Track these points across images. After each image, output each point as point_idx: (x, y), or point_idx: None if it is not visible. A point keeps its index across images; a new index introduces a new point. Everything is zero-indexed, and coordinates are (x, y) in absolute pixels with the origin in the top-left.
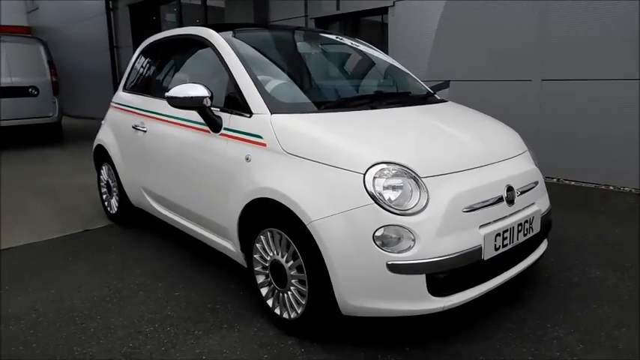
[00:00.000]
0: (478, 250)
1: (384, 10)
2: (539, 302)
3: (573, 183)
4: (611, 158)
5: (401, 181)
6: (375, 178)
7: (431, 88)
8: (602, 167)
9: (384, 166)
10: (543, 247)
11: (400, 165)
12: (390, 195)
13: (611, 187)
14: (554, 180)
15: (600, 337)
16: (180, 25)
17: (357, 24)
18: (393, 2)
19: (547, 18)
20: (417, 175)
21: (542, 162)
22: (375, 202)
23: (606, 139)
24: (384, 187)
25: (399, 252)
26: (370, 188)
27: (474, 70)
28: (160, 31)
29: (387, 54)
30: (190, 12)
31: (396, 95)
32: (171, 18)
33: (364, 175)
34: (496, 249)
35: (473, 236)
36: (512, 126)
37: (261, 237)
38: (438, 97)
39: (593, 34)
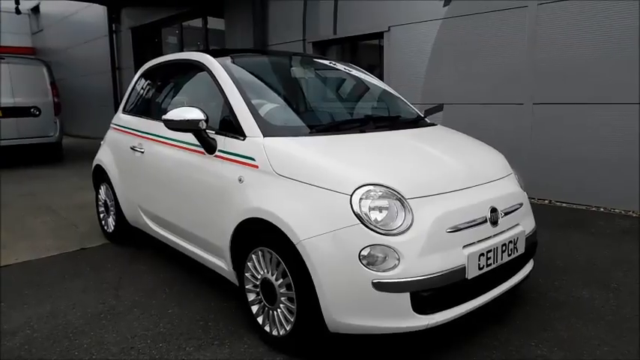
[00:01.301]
0: (462, 270)
1: (379, 35)
2: (525, 321)
3: (565, 204)
4: (601, 180)
5: (387, 202)
6: (361, 199)
7: (425, 111)
8: (592, 189)
9: (370, 187)
10: (529, 267)
11: (386, 187)
12: (376, 215)
13: (602, 209)
14: (546, 201)
15: (582, 355)
16: (182, 48)
17: (355, 47)
18: (388, 27)
19: (537, 42)
20: (402, 196)
21: (534, 184)
22: (362, 223)
23: (596, 162)
24: (370, 207)
25: (384, 270)
26: (357, 209)
27: (467, 94)
28: (161, 53)
29: (383, 77)
30: (192, 35)
31: (385, 119)
32: (173, 40)
33: (351, 196)
34: (480, 268)
35: (457, 256)
36: (504, 148)
37: (253, 256)
38: (428, 121)
39: (582, 58)
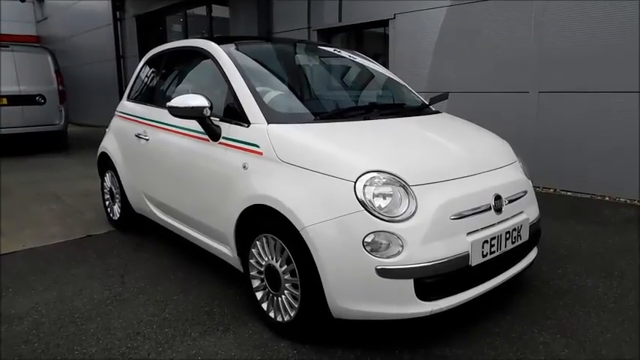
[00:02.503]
0: (465, 257)
1: (384, 23)
2: (528, 308)
3: (570, 193)
4: (606, 169)
5: (391, 189)
6: (365, 186)
7: (430, 99)
8: (597, 178)
9: (374, 174)
10: (533, 255)
11: (390, 173)
12: (380, 202)
13: (607, 198)
14: (551, 190)
15: (585, 342)
16: (186, 36)
17: (360, 35)
18: (394, 15)
19: (543, 31)
20: (406, 183)
21: (539, 172)
22: (366, 209)
23: (601, 151)
24: (374, 194)
25: (387, 257)
26: (361, 196)
27: (473, 82)
28: (166, 41)
29: (388, 65)
30: (196, 23)
31: (390, 106)
32: (177, 28)
33: (355, 183)
34: (483, 256)
35: (460, 243)
36: (510, 136)
37: (257, 242)
38: (433, 109)
39: (588, 47)
